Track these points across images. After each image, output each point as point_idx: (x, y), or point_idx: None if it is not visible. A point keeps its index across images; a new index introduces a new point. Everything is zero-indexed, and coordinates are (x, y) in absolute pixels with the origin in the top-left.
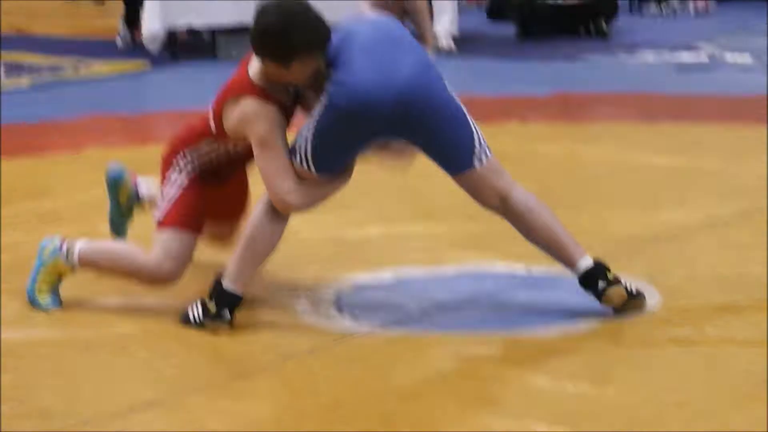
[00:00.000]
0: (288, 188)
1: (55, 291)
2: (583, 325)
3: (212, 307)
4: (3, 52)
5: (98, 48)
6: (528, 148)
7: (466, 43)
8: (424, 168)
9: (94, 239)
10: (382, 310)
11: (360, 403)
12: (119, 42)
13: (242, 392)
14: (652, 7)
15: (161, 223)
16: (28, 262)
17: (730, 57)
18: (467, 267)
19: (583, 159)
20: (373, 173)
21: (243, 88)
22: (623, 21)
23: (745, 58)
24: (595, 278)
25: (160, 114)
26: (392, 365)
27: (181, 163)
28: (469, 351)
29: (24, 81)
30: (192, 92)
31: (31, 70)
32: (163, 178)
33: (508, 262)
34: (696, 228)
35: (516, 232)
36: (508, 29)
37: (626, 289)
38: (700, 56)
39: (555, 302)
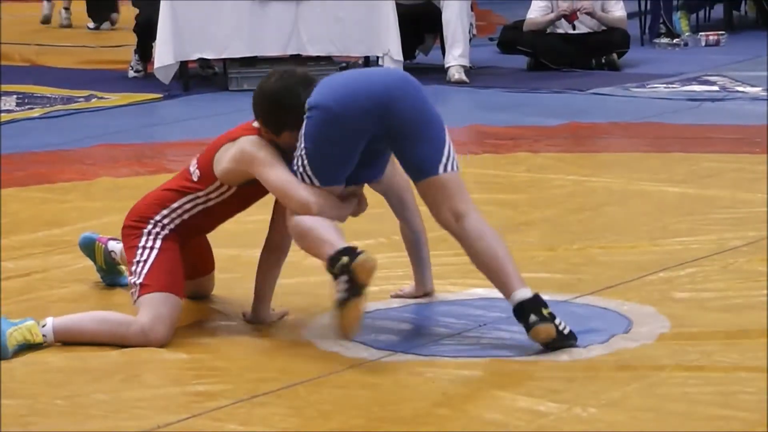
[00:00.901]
0: (306, 194)
1: (20, 347)
2: (592, 351)
3: (344, 259)
4: (15, 84)
5: (110, 80)
6: (539, 177)
7: (477, 74)
8: None
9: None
10: (392, 336)
11: (369, 429)
12: (131, 73)
13: (252, 418)
14: (663, 39)
15: (145, 288)
16: (38, 289)
17: (742, 88)
18: (475, 293)
19: (593, 188)
20: (381, 200)
21: (243, 131)
22: (634, 53)
23: (756, 89)
24: (528, 311)
25: (171, 144)
26: (401, 391)
27: (152, 230)
28: (477, 376)
29: (36, 112)
30: (203, 123)
31: (43, 101)
32: (128, 248)
33: None
34: (706, 256)
35: (520, 262)
36: (519, 61)
37: (557, 328)
38: (711, 87)
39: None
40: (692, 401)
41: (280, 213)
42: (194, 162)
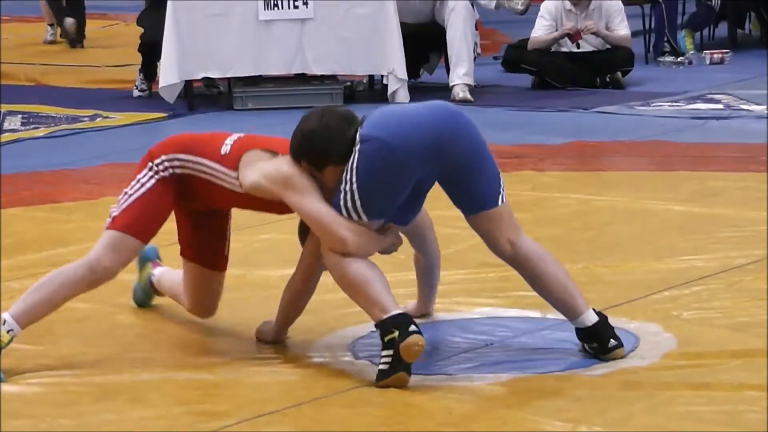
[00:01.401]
0: (344, 231)
1: None
2: (598, 369)
3: (395, 334)
4: (20, 104)
5: (115, 99)
6: (544, 196)
7: (482, 93)
8: (437, 219)
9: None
10: None
11: None
12: (136, 93)
13: None
14: (668, 58)
15: (113, 223)
16: None
17: (746, 106)
18: (481, 312)
19: (599, 206)
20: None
21: (287, 150)
22: (639, 71)
23: (760, 107)
24: (605, 335)
25: None
26: (407, 409)
27: (155, 166)
28: (484, 395)
29: (41, 131)
30: None
31: (48, 120)
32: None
33: (522, 309)
34: (711, 274)
35: (523, 283)
36: (523, 80)
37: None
38: (716, 106)
39: (570, 347)
40: (699, 420)
41: (315, 242)
42: (233, 138)
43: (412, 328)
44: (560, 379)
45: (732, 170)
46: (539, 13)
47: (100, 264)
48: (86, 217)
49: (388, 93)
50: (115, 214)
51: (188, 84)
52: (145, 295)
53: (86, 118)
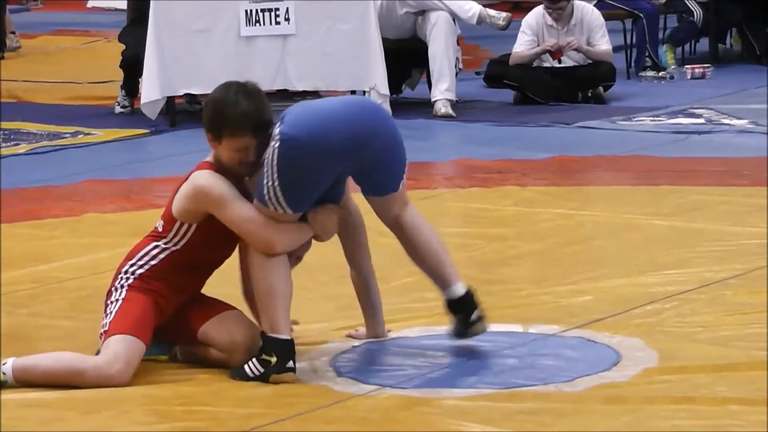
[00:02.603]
0: (269, 233)
1: None
2: (581, 384)
3: (272, 359)
4: (1, 121)
5: (97, 116)
6: (527, 211)
7: (464, 108)
8: None
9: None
10: (380, 371)
11: None
12: (118, 109)
13: None
14: (649, 73)
15: (106, 333)
16: (26, 326)
17: (728, 120)
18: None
19: (581, 221)
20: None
21: (197, 168)
22: (620, 86)
23: (742, 122)
24: (469, 307)
25: (158, 180)
26: (390, 425)
27: (118, 284)
28: (465, 410)
29: (22, 148)
30: (190, 159)
31: (29, 137)
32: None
33: (504, 323)
34: (693, 288)
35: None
36: (505, 95)
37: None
38: (697, 120)
39: (552, 361)
40: None
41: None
42: (161, 218)
43: (290, 364)
44: (543, 394)
45: (714, 185)
46: (521, 29)
47: (108, 368)
48: (68, 234)
49: None
50: (101, 332)
51: (170, 100)
52: None
53: (68, 135)
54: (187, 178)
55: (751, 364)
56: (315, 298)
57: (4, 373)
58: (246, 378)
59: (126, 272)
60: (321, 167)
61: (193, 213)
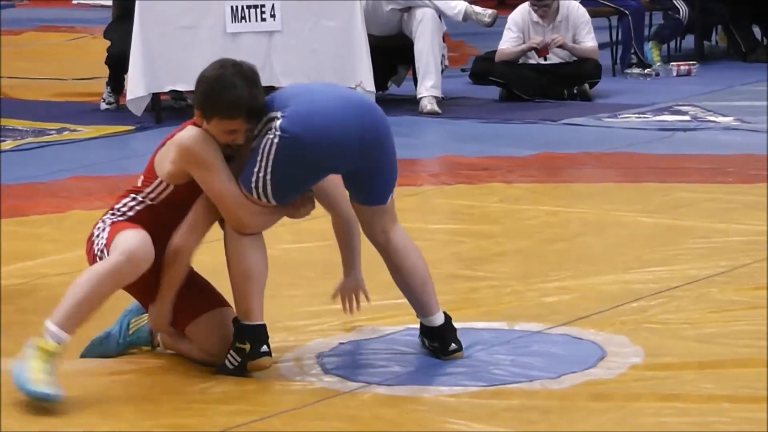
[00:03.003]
0: (247, 214)
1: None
2: (566, 381)
3: (246, 347)
4: None
5: (82, 112)
6: (513, 208)
7: (450, 105)
8: (410, 231)
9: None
10: (366, 368)
11: None
12: (103, 106)
13: None
14: (635, 70)
15: (106, 245)
16: (12, 323)
17: (713, 117)
18: None
19: (567, 219)
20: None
21: (184, 126)
22: (606, 83)
23: (727, 119)
24: (446, 339)
25: None
26: (376, 423)
27: (96, 230)
28: (451, 407)
29: (7, 145)
30: None
31: (14, 134)
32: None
33: (489, 321)
34: (679, 285)
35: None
36: (491, 92)
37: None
38: (683, 117)
39: (537, 358)
40: (668, 431)
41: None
42: (144, 172)
43: (264, 349)
44: (529, 391)
45: (700, 182)
46: (506, 25)
47: (130, 249)
48: (55, 231)
49: None
50: (99, 251)
51: (155, 97)
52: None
53: (53, 132)
54: (173, 136)
55: (736, 361)
56: (300, 294)
57: (57, 342)
58: (227, 371)
59: (104, 221)
60: (320, 168)
61: (176, 173)
